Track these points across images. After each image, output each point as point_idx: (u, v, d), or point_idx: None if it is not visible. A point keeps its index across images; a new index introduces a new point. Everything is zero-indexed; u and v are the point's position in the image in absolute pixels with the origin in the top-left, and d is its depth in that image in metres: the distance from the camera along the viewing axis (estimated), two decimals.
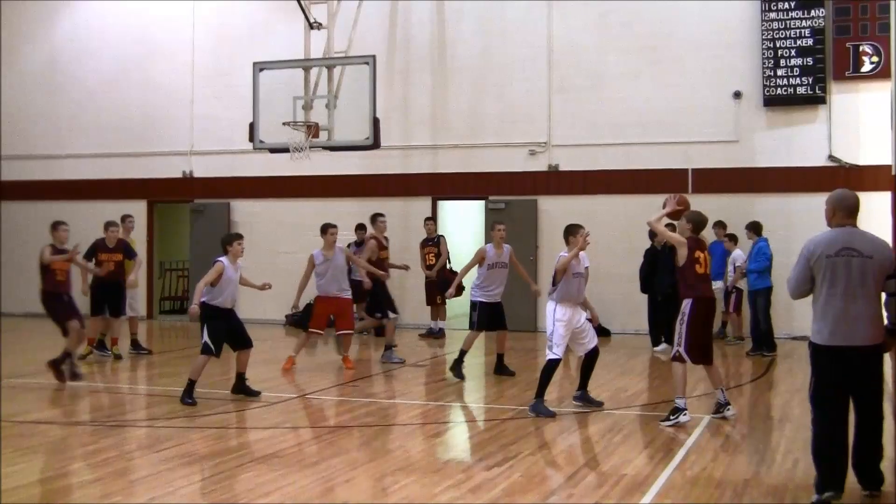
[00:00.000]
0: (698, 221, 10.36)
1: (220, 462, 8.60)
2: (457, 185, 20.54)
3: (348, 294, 14.65)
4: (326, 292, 14.55)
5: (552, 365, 10.65)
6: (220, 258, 11.81)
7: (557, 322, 10.68)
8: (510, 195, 19.99)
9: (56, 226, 13.97)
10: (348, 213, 20.51)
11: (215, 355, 11.62)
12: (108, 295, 15.31)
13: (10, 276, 23.16)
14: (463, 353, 13.52)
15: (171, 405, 11.31)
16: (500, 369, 13.73)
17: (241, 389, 11.87)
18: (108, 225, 15.57)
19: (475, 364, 14.73)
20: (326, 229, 14.75)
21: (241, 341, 11.92)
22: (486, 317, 13.50)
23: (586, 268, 11.00)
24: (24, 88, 23.82)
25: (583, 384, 11.14)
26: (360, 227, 18.95)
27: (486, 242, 14.82)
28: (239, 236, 12.20)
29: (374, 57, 17.12)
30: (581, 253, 10.90)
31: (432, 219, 19.01)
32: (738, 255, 17.22)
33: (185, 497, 7.54)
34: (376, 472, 8.31)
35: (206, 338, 11.54)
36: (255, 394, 11.83)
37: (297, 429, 10.22)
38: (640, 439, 9.58)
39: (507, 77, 20.15)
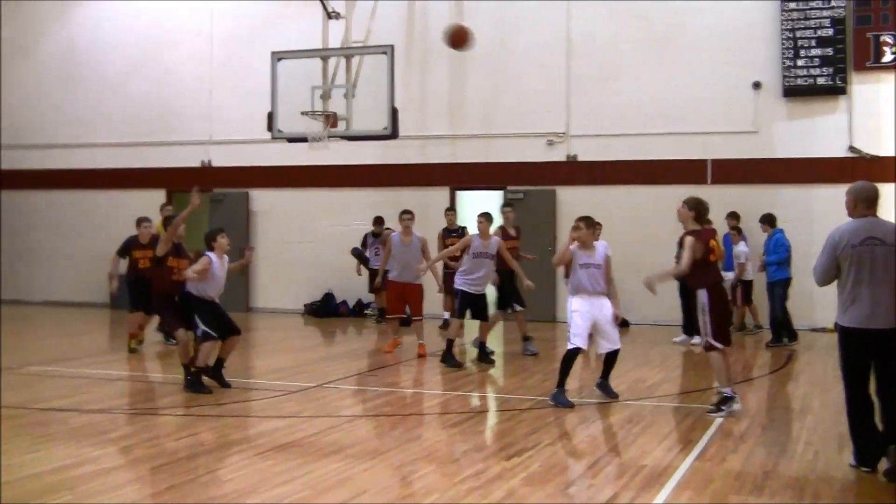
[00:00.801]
0: (701, 207, 10.26)
1: (239, 450, 8.61)
2: (475, 175, 20.51)
3: (419, 281, 14.70)
4: (399, 278, 14.62)
5: (570, 355, 10.64)
6: (208, 253, 11.77)
7: (573, 313, 10.73)
8: (528, 185, 19.95)
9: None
10: (366, 203, 20.57)
11: (219, 338, 11.63)
12: (147, 290, 14.71)
13: (32, 264, 23.27)
14: (450, 342, 13.67)
15: (191, 394, 11.33)
16: (482, 357, 13.96)
17: (217, 376, 11.80)
18: (141, 221, 15.27)
19: (497, 355, 14.70)
20: (401, 216, 14.90)
21: (230, 328, 11.87)
22: (466, 305, 13.77)
23: (606, 258, 10.95)
24: (43, 79, 23.90)
25: (605, 373, 11.12)
26: (378, 221, 18.91)
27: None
28: (221, 230, 12.09)
29: (392, 47, 17.10)
30: (600, 244, 10.92)
31: (453, 209, 18.95)
32: (742, 249, 17.17)
33: (204, 485, 7.55)
34: (395, 462, 8.30)
35: (202, 326, 11.54)
36: (226, 385, 11.72)
37: (316, 417, 10.22)
38: (660, 430, 9.54)
39: (525, 67, 20.10)
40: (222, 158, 22.31)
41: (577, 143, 19.85)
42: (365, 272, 19.39)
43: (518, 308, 14.88)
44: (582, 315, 10.70)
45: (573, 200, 19.35)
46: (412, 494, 7.29)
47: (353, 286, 20.41)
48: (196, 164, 22.48)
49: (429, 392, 11.84)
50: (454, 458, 8.54)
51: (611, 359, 11.01)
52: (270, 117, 17.47)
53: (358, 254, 19.52)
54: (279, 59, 17.51)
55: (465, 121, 20.55)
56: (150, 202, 22.43)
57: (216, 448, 8.79)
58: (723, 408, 10.03)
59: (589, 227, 10.98)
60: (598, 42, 19.71)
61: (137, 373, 13.44)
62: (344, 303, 20.86)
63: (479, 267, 13.74)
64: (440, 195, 20.28)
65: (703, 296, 10.05)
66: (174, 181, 22.66)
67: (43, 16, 23.94)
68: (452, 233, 18.37)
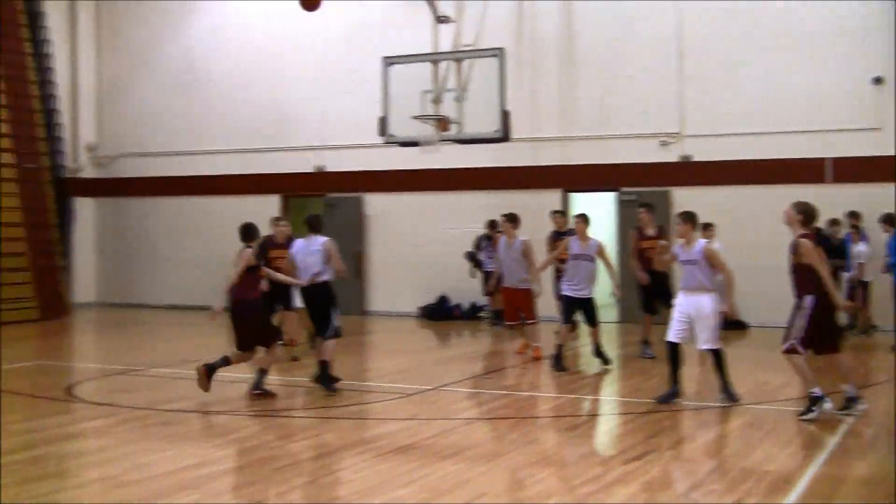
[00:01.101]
0: (810, 211, 10.04)
1: (359, 452, 8.70)
2: (587, 177, 20.38)
3: (526, 285, 14.57)
4: (506, 283, 14.78)
5: (667, 350, 10.89)
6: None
7: (674, 308, 10.95)
8: (642, 186, 19.74)
9: (275, 221, 14.36)
10: (478, 206, 20.60)
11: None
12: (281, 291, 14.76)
13: (154, 269, 23.88)
14: (559, 346, 13.58)
15: (309, 396, 11.49)
16: (603, 361, 13.82)
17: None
18: (276, 221, 15.06)
19: (611, 357, 14.58)
20: (501, 220, 15.10)
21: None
22: (570, 310, 13.76)
23: (707, 253, 10.82)
24: (162, 88, 24.48)
25: (719, 376, 10.94)
26: (492, 224, 18.80)
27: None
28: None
29: (502, 49, 17.08)
30: (699, 242, 10.87)
31: (561, 212, 18.81)
32: (862, 249, 16.74)
33: (325, 487, 7.66)
34: (512, 465, 8.30)
35: (336, 322, 11.71)
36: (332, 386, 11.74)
37: (434, 420, 10.28)
38: (783, 434, 9.34)
39: (637, 66, 19.88)
40: (336, 163, 22.57)
41: (690, 143, 19.58)
42: (479, 275, 19.44)
43: (661, 308, 14.32)
44: (679, 310, 10.79)
45: (687, 201, 18.96)
46: (530, 498, 7.27)
47: (466, 289, 20.47)
48: (310, 169, 22.79)
49: (545, 395, 11.80)
50: (572, 462, 8.50)
51: (715, 360, 10.86)
52: (382, 122, 17.61)
53: (471, 257, 19.58)
54: (390, 64, 17.64)
55: (577, 122, 20.43)
56: (266, 207, 22.84)
57: (336, 450, 8.90)
58: (813, 409, 9.80)
59: (685, 222, 10.93)
60: (712, 40, 19.40)
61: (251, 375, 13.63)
62: (458, 306, 20.93)
63: (578, 270, 13.70)
64: (552, 198, 20.18)
65: (809, 300, 9.80)
66: (289, 186, 23.03)
67: (162, 27, 24.53)
68: (562, 235, 18.22)
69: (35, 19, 23.06)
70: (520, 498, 7.29)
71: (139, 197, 24.54)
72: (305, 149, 22.76)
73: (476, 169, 20.86)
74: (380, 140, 17.99)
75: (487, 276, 18.86)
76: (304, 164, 22.83)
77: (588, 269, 13.73)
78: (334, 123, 22.40)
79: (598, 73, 20.24)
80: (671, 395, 10.77)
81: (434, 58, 17.73)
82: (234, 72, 23.62)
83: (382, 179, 21.93)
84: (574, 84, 20.42)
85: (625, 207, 19.79)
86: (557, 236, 17.60)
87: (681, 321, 10.76)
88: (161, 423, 9.94)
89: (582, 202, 21.36)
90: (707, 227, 15.66)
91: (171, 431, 9.66)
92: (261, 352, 11.59)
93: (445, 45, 18.21)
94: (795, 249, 9.86)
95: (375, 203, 22.19)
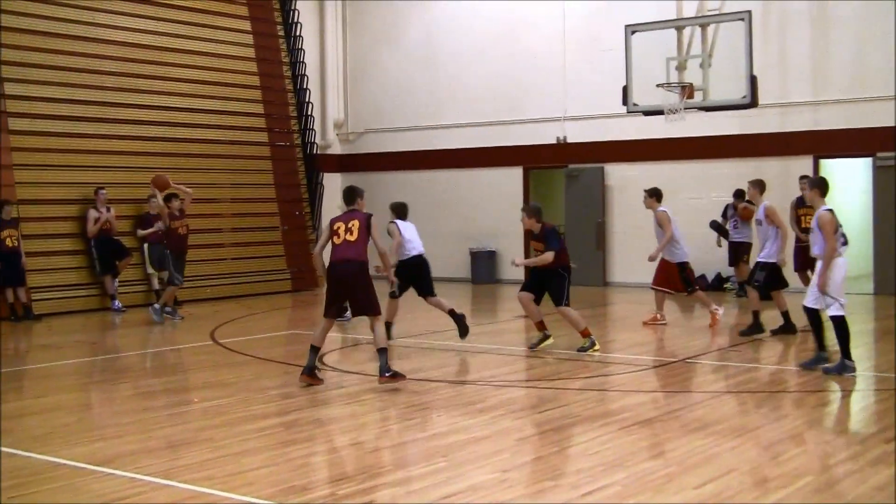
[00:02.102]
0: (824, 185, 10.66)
1: (603, 424, 8.63)
2: (840, 143, 19.44)
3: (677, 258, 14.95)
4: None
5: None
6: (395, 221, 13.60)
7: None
8: None
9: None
10: (725, 174, 20.05)
11: None
12: None
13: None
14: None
15: (554, 366, 11.50)
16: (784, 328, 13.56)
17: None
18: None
19: (863, 331, 13.96)
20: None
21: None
22: (768, 277, 13.44)
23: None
24: (405, 65, 24.98)
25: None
26: (738, 194, 18.10)
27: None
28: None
29: (749, 12, 16.52)
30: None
31: (808, 177, 17.90)
32: None
33: (571, 457, 7.64)
34: (763, 440, 8.03)
35: None
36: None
37: (679, 393, 10.08)
38: None
39: (893, 25, 18.70)
40: (577, 134, 22.44)
41: None
42: (725, 245, 18.89)
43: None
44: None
45: None
46: (783, 475, 6.99)
47: (711, 259, 19.94)
48: (551, 140, 22.75)
49: (793, 369, 11.36)
50: (827, 440, 8.15)
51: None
52: (625, 91, 17.38)
53: (717, 226, 19.05)
54: (633, 32, 17.37)
55: (829, 85, 19.50)
56: (508, 179, 23.04)
57: (580, 421, 8.85)
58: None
59: (811, 188, 10.79)
60: None
61: (498, 346, 13.78)
62: (703, 276, 20.44)
63: (760, 234, 13.62)
64: (802, 164, 19.37)
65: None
66: (530, 158, 23.09)
67: (405, 6, 24.97)
68: (805, 203, 17.33)
69: (285, 2, 23.99)
70: (772, 475, 7.03)
71: (384, 171, 25.17)
72: (546, 120, 22.73)
73: (722, 136, 20.28)
74: (622, 110, 17.77)
75: (733, 246, 18.32)
76: (544, 135, 22.82)
77: (766, 233, 13.46)
78: (575, 94, 22.28)
79: (852, 33, 19.23)
80: (817, 361, 10.86)
81: (678, 24, 17.36)
82: (474, 46, 23.82)
83: (624, 149, 21.66)
84: (826, 44, 19.49)
85: (881, 173, 18.79)
86: (802, 203, 16.62)
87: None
88: (408, 392, 10.17)
89: (834, 169, 20.49)
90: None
91: (419, 400, 9.87)
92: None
93: (689, 11, 17.76)
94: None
95: (617, 174, 21.94)
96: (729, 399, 9.91)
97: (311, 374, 10.49)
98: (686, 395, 9.96)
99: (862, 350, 12.71)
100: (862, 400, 10.12)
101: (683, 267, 15.09)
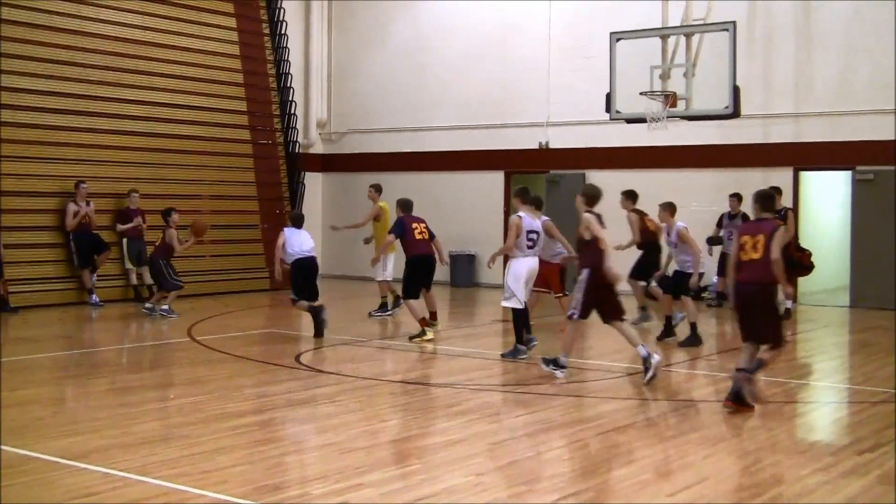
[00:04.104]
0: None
1: (579, 430, 8.65)
2: (821, 155, 19.52)
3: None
4: None
5: None
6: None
7: None
8: (879, 165, 18.77)
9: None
10: (706, 184, 20.13)
11: None
12: None
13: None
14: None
15: (531, 371, 11.52)
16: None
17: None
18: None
19: (838, 343, 14.04)
20: None
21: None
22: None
23: None
24: (389, 66, 24.96)
25: None
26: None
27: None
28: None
29: (734, 23, 16.59)
30: None
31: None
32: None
33: (545, 462, 7.65)
34: (737, 450, 8.08)
35: None
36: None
37: (655, 401, 10.11)
38: None
39: (880, 39, 18.79)
40: (560, 140, 22.48)
41: None
42: (716, 253, 18.60)
43: None
44: None
45: None
46: (756, 485, 7.04)
47: None
48: (534, 145, 22.79)
49: (771, 379, 11.40)
50: (801, 450, 8.19)
51: None
52: (608, 98, 17.42)
53: (716, 240, 18.60)
54: (618, 40, 17.41)
55: (812, 98, 19.58)
56: (489, 183, 23.05)
57: (555, 426, 8.86)
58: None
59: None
60: None
61: (475, 349, 13.78)
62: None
63: None
64: (783, 176, 19.44)
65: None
66: (512, 163, 23.11)
67: (392, 8, 24.94)
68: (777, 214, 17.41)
69: (271, 2, 23.96)
70: (745, 484, 7.07)
71: (365, 172, 25.13)
72: (530, 125, 22.76)
73: (704, 146, 20.32)
74: (605, 116, 17.81)
75: (724, 256, 18.35)
76: (528, 140, 22.85)
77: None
78: (559, 100, 22.31)
79: (836, 48, 19.30)
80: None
81: (663, 32, 17.42)
82: (458, 50, 23.83)
83: (606, 156, 21.68)
84: (810, 58, 19.57)
85: (860, 187, 18.90)
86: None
87: None
88: (385, 394, 10.17)
89: (813, 182, 20.61)
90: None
91: (395, 402, 9.87)
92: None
93: (675, 20, 17.82)
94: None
95: (599, 180, 21.89)
96: (704, 408, 9.94)
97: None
98: (661, 403, 10.00)
99: (837, 363, 12.80)
100: (835, 412, 10.18)
101: (563, 269, 15.11)
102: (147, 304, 16.82)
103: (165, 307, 16.52)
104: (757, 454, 7.90)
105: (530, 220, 12.28)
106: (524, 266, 12.12)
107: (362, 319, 16.44)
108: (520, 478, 7.20)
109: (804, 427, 9.36)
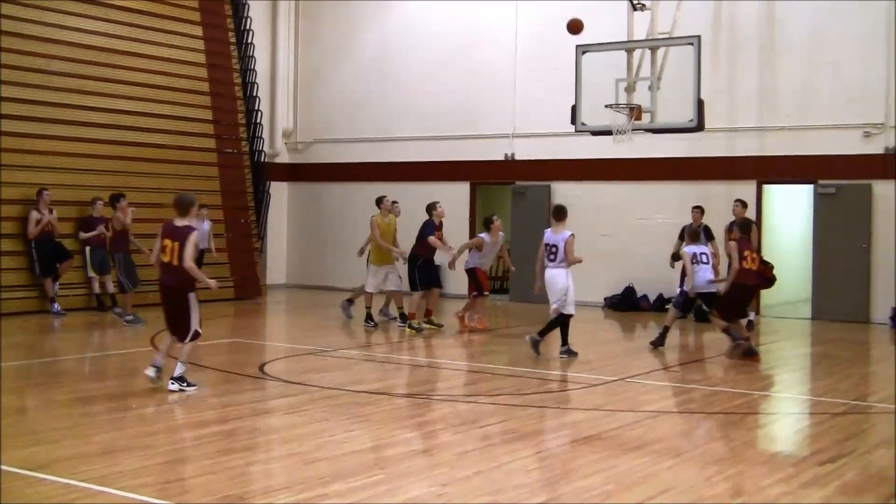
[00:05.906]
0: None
1: (542, 441, 8.67)
2: (784, 169, 19.71)
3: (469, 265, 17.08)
4: None
5: None
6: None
7: None
8: (841, 179, 18.96)
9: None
10: (671, 196, 20.27)
11: None
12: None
13: (345, 254, 24.37)
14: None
15: (496, 382, 11.52)
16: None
17: None
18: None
19: (800, 355, 14.15)
20: None
21: None
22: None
23: None
24: (356, 77, 24.95)
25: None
26: (697, 208, 18.12)
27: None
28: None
29: (698, 37, 16.66)
30: None
31: (742, 201, 17.96)
32: None
33: (510, 473, 7.64)
34: (700, 461, 8.10)
35: None
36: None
37: (619, 412, 10.15)
38: None
39: (842, 54, 19.00)
40: (525, 151, 22.55)
41: None
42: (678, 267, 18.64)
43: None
44: None
45: (891, 196, 18.28)
46: (718, 495, 7.08)
47: (654, 280, 20.14)
48: (500, 157, 22.84)
49: (733, 391, 11.49)
50: (762, 461, 8.25)
51: None
52: (574, 110, 17.47)
53: (676, 258, 18.60)
54: (584, 52, 17.46)
55: (776, 112, 19.75)
56: (456, 194, 23.05)
57: (520, 437, 8.87)
58: None
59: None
60: None
61: (440, 359, 13.79)
62: (645, 297, 20.62)
63: None
64: (746, 189, 19.60)
65: None
66: (478, 174, 23.16)
67: (359, 17, 24.97)
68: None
69: (238, 9, 23.91)
70: (707, 495, 7.10)
71: (331, 182, 25.12)
72: (495, 137, 22.82)
73: (669, 159, 20.45)
74: (570, 129, 17.87)
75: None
76: (493, 152, 22.90)
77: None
78: (525, 112, 22.38)
79: (800, 62, 19.49)
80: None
81: (628, 46, 17.48)
82: (427, 61, 23.86)
83: (572, 168, 21.78)
84: (774, 72, 19.76)
85: (822, 200, 19.08)
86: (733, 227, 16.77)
87: None
88: (349, 404, 10.15)
89: (777, 195, 20.77)
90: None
91: (359, 412, 9.84)
92: None
93: (640, 34, 17.91)
94: None
95: (564, 192, 22.05)
96: (667, 419, 9.99)
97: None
98: (625, 414, 10.03)
99: (798, 374, 12.91)
100: (797, 423, 10.26)
101: (474, 273, 16.75)
102: (116, 308, 16.76)
103: (130, 316, 16.40)
104: (719, 465, 7.94)
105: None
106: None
107: (328, 329, 16.40)
108: (483, 489, 7.19)
109: (766, 438, 9.43)
